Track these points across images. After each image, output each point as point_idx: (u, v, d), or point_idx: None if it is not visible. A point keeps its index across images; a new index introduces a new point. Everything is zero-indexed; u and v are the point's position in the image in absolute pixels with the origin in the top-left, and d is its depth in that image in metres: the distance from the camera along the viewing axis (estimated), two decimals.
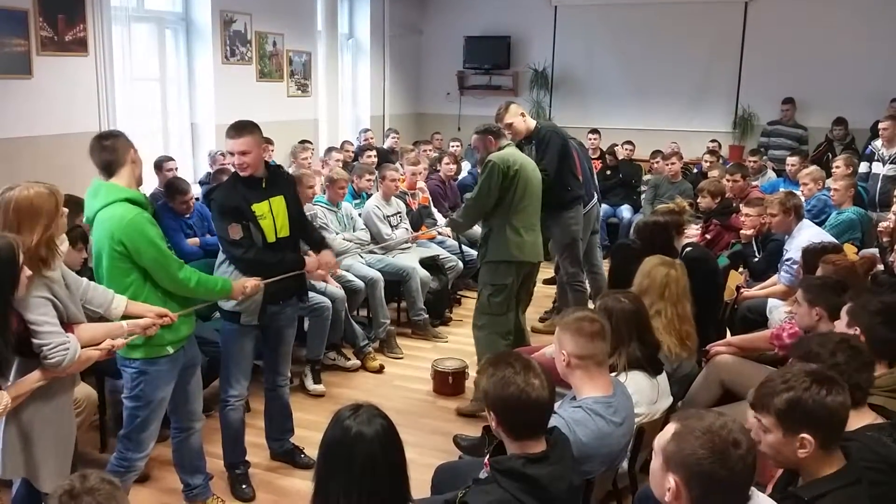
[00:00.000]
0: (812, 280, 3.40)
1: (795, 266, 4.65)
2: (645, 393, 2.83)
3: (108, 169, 2.97)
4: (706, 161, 8.45)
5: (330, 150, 7.78)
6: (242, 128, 3.42)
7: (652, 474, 1.80)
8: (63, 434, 2.73)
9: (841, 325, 2.91)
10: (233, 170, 3.58)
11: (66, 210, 2.73)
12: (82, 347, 2.64)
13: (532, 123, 5.23)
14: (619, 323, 2.83)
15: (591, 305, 5.36)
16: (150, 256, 2.93)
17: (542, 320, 6.19)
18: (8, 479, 2.73)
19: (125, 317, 2.89)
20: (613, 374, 2.78)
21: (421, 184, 6.78)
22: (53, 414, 2.65)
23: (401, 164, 7.08)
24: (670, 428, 1.75)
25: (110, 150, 2.95)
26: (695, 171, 8.86)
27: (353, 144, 8.54)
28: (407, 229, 6.17)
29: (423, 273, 5.92)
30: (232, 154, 3.44)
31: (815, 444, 1.92)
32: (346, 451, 1.85)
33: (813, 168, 6.72)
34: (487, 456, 2.24)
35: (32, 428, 2.59)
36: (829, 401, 1.91)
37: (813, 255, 3.94)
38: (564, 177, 5.16)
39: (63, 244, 2.68)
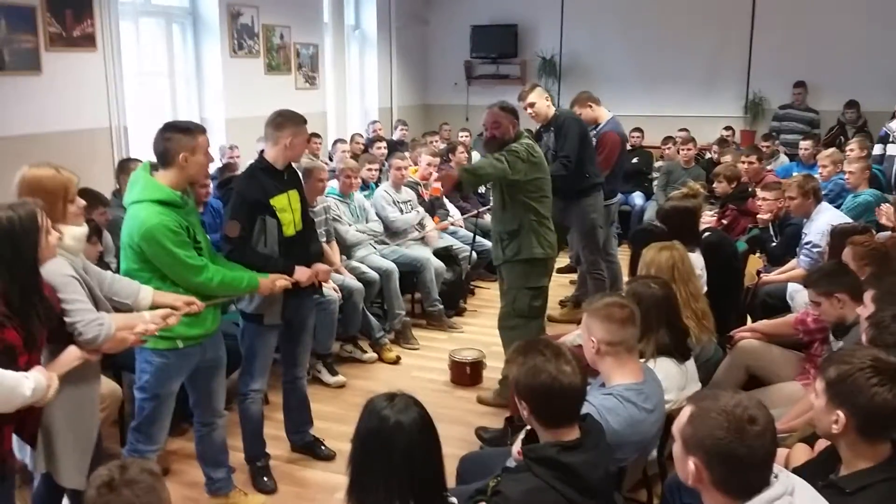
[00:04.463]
0: (813, 275, 3.33)
1: (816, 250, 4.61)
2: (674, 379, 2.78)
3: (159, 160, 2.98)
4: (715, 151, 8.37)
5: (336, 142, 7.75)
6: None
7: (675, 460, 1.79)
8: (84, 429, 2.70)
9: (866, 313, 2.83)
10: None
11: (81, 202, 2.70)
12: None
13: (552, 110, 5.19)
14: (649, 309, 2.78)
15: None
16: (166, 264, 2.95)
17: (562, 304, 6.15)
18: (38, 472, 2.72)
19: (154, 307, 2.86)
20: (641, 360, 2.74)
21: (436, 174, 6.73)
22: (76, 408, 2.62)
23: (408, 155, 7.04)
24: (686, 411, 1.73)
25: (166, 142, 2.94)
26: (707, 157, 8.79)
27: (363, 136, 8.50)
28: (418, 212, 6.14)
29: (438, 264, 5.89)
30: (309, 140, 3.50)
31: (847, 425, 1.89)
32: (384, 441, 1.81)
33: (832, 150, 6.63)
34: (518, 444, 2.21)
35: (54, 421, 2.56)
36: (876, 391, 1.86)
37: (841, 235, 3.87)
38: (584, 164, 5.11)
39: (82, 228, 2.64)
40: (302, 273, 3.46)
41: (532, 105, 5.12)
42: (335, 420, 4.27)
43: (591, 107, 5.75)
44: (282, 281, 3.35)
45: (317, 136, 7.71)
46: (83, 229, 2.64)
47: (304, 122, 3.54)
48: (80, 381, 2.60)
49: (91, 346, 2.52)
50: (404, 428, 1.81)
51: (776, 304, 4.64)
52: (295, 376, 3.86)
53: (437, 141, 8.51)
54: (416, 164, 6.90)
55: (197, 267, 3.00)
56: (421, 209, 6.22)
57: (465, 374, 4.86)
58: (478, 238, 6.41)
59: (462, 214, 6.85)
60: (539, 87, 5.30)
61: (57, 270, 2.46)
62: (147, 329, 2.72)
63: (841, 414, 1.89)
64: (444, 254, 6.10)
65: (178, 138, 2.94)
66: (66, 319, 2.48)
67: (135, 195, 2.95)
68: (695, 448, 1.68)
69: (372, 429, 1.83)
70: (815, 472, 1.96)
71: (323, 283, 3.90)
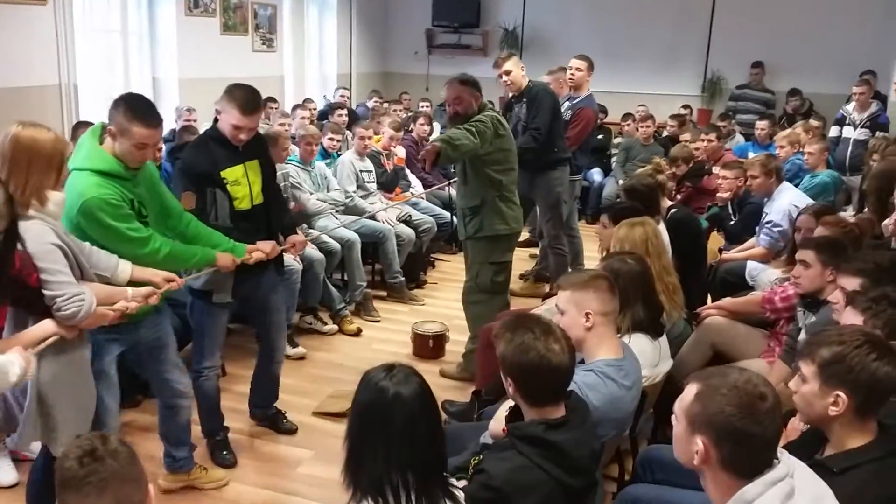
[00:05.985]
0: (821, 240, 3.32)
1: (777, 229, 4.67)
2: (647, 356, 2.77)
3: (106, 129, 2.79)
4: (670, 127, 8.41)
5: (295, 107, 7.56)
6: (258, 105, 3.22)
7: (676, 440, 1.74)
8: (83, 395, 2.54)
9: (839, 295, 2.84)
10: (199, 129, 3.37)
11: (68, 168, 2.55)
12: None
13: (525, 81, 5.13)
14: (627, 285, 2.75)
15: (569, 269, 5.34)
16: (107, 239, 2.74)
17: (522, 277, 6.14)
18: (23, 448, 2.57)
19: (132, 282, 2.72)
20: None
21: (400, 149, 6.63)
22: (70, 373, 2.46)
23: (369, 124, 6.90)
24: (691, 389, 1.69)
25: (110, 113, 2.76)
26: (664, 134, 8.84)
27: (313, 102, 8.28)
28: (374, 192, 6.04)
29: (408, 232, 5.85)
30: (238, 128, 3.16)
31: (848, 405, 1.88)
32: (382, 414, 1.75)
33: (789, 131, 6.75)
34: (502, 421, 2.17)
35: (49, 389, 2.40)
36: (876, 366, 1.85)
37: (813, 216, 3.92)
38: (553, 138, 5.07)
39: (62, 193, 2.48)
40: (251, 248, 3.25)
41: (508, 73, 5.06)
42: (296, 392, 4.19)
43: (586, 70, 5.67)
44: (258, 253, 3.21)
45: (273, 100, 7.50)
46: (63, 195, 2.47)
47: (242, 103, 3.13)
48: (71, 347, 2.45)
49: (69, 322, 2.36)
50: (404, 399, 1.75)
51: (736, 281, 4.70)
52: (272, 359, 3.73)
53: (400, 110, 8.36)
54: (377, 133, 6.77)
55: (141, 239, 2.80)
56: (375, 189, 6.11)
57: (428, 347, 4.82)
58: (442, 211, 6.35)
59: (424, 187, 6.77)
60: (515, 55, 5.23)
61: (38, 238, 2.28)
62: (128, 306, 2.59)
63: (842, 394, 1.88)
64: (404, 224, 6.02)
65: (121, 113, 2.74)
66: (45, 292, 2.30)
67: (77, 161, 2.72)
68: (703, 426, 1.64)
69: (370, 401, 1.77)
70: (798, 453, 1.95)
71: (285, 256, 3.75)
